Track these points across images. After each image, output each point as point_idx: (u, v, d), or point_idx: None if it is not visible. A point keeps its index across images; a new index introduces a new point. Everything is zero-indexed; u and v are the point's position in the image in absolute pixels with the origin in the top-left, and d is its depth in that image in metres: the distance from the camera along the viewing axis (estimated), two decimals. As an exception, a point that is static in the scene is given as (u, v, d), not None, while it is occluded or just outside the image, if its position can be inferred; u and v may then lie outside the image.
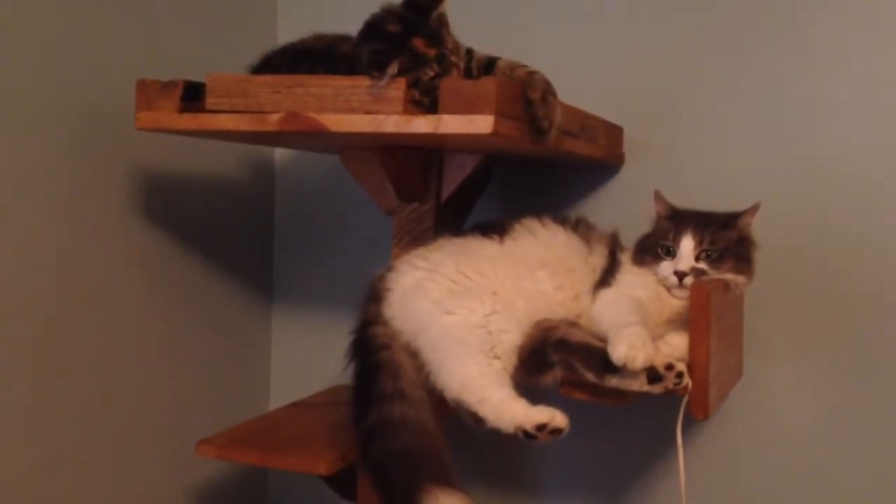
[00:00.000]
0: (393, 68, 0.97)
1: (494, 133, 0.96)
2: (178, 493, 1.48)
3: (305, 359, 1.67)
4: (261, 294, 1.67)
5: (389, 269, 1.14)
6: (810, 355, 1.33)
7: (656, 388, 0.97)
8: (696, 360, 0.98)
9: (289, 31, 1.56)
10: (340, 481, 1.25)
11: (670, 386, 0.97)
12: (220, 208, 1.56)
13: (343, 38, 1.18)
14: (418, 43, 1.01)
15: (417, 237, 1.27)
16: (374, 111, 1.00)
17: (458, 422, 1.05)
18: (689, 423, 1.33)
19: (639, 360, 0.94)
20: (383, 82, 0.97)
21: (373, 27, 1.04)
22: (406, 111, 0.99)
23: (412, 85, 0.99)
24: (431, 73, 1.00)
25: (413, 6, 1.04)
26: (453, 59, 1.03)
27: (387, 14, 1.04)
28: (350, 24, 1.21)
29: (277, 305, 1.69)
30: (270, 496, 1.69)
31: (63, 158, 1.24)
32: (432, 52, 1.01)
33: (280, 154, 1.67)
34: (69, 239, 1.26)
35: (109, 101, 1.28)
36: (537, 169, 1.47)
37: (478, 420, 0.97)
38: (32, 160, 1.20)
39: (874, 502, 1.30)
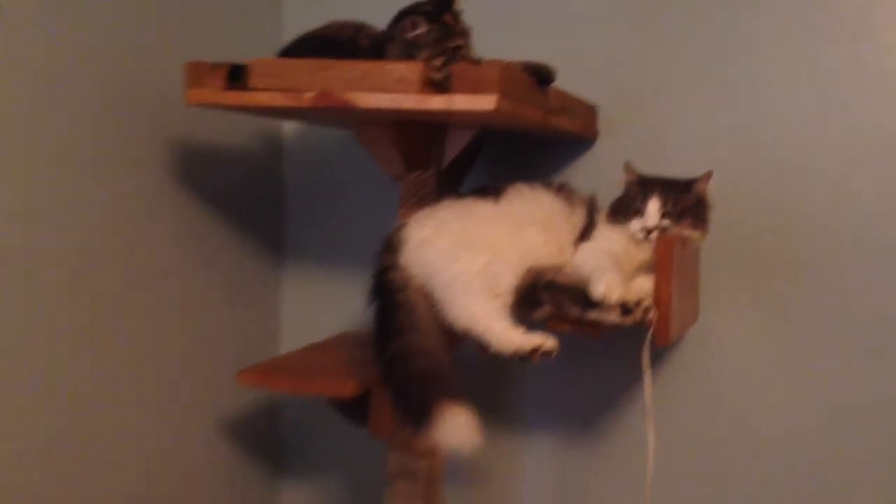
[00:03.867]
0: (422, 28, 1.23)
1: (497, 110, 1.16)
2: (200, 429, 1.67)
3: (313, 315, 1.85)
4: (272, 256, 1.85)
5: (402, 225, 1.34)
6: (759, 302, 1.54)
7: (628, 320, 1.19)
8: (661, 297, 1.20)
9: (293, 19, 1.74)
10: (354, 409, 1.44)
11: (639, 318, 1.19)
12: (236, 176, 1.74)
13: (361, 28, 1.37)
14: (448, 18, 1.24)
15: (421, 200, 1.47)
16: (394, 90, 1.20)
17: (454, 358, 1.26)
18: (654, 364, 1.56)
19: (614, 295, 1.15)
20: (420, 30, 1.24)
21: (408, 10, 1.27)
22: (422, 91, 1.19)
23: (440, 54, 1.21)
24: (459, 43, 1.23)
25: None
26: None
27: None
28: (353, 10, 1.39)
29: (287, 266, 1.87)
30: (282, 433, 1.88)
31: (101, 130, 1.41)
32: (459, 27, 1.25)
33: (288, 128, 1.86)
34: (106, 201, 1.43)
35: (135, 81, 1.46)
36: (521, 143, 1.66)
37: (483, 346, 1.18)
38: (76, 132, 1.38)
39: (815, 431, 1.53)
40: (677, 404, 1.60)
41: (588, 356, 1.63)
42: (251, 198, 1.79)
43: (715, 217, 1.38)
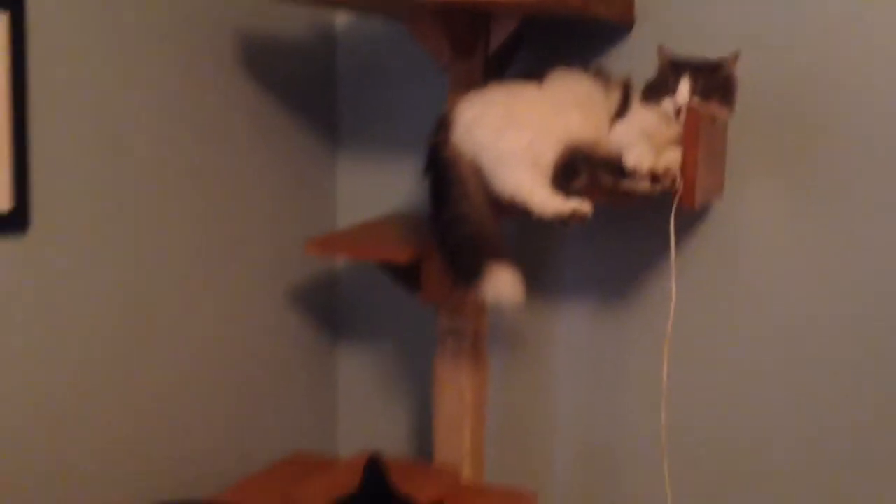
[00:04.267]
0: None
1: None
2: (267, 297, 1.86)
3: (365, 196, 1.99)
4: (328, 141, 1.99)
5: (453, 107, 1.47)
6: (785, 177, 1.64)
7: (656, 188, 1.32)
8: (687, 164, 1.32)
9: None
10: (407, 275, 1.61)
11: (667, 185, 1.32)
12: (294, 66, 1.86)
13: None
14: None
15: (469, 86, 1.58)
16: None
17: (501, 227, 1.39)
18: (681, 235, 1.70)
19: (645, 165, 1.29)
20: None
21: None
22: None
23: None
24: None
25: None
26: None
27: None
28: None
29: (342, 151, 2.01)
30: (339, 300, 2.07)
31: (174, 22, 1.55)
32: None
33: (340, 21, 1.96)
34: (180, 88, 1.58)
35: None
36: (561, 32, 1.75)
37: (527, 211, 1.33)
38: (153, 23, 1.52)
39: (837, 302, 1.65)
40: (702, 273, 1.73)
41: (621, 228, 1.76)
42: (308, 86, 1.91)
43: (745, 96, 1.48)
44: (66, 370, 1.40)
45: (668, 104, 1.42)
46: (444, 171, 1.40)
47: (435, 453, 1.71)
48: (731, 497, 1.76)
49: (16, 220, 1.26)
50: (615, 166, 1.34)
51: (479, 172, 1.39)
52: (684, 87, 1.42)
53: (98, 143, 1.43)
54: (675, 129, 1.41)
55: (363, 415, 2.07)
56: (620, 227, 1.77)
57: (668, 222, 1.42)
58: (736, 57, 1.45)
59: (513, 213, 1.37)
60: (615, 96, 1.51)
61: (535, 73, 1.53)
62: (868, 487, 1.65)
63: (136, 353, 1.53)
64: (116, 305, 1.48)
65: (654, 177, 1.31)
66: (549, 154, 1.37)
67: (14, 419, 1.31)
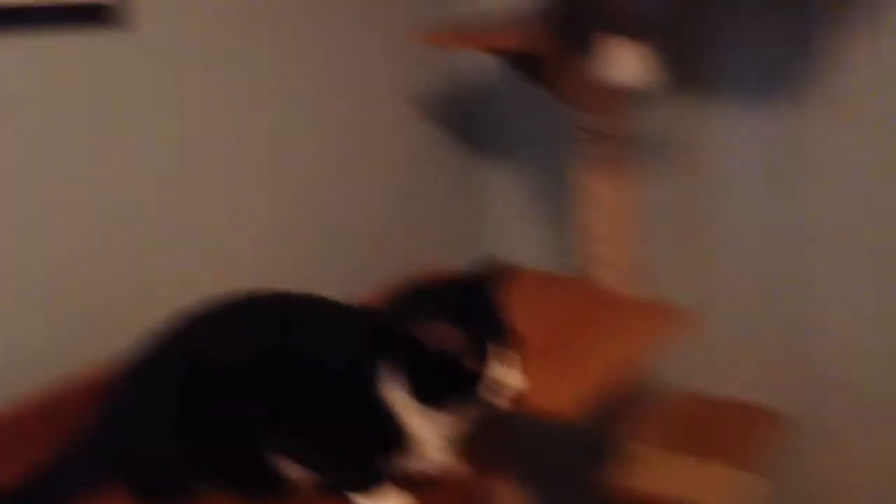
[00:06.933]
0: None
1: None
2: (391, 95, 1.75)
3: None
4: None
5: None
6: None
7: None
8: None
9: None
10: (532, 67, 1.47)
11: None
12: None
13: None
14: None
15: None
16: None
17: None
18: None
19: None
20: None
21: None
22: None
23: None
24: None
25: None
26: None
27: None
28: None
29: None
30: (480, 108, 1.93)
31: None
32: None
33: None
34: None
35: None
36: None
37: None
38: None
39: None
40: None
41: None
42: None
43: None
44: (174, 167, 1.37)
45: None
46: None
47: (576, 265, 1.62)
48: None
49: (121, 15, 1.23)
50: None
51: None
52: None
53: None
54: None
55: (507, 229, 1.97)
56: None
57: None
58: None
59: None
60: None
61: None
62: None
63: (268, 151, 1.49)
64: (222, 112, 1.43)
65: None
66: None
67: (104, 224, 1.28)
